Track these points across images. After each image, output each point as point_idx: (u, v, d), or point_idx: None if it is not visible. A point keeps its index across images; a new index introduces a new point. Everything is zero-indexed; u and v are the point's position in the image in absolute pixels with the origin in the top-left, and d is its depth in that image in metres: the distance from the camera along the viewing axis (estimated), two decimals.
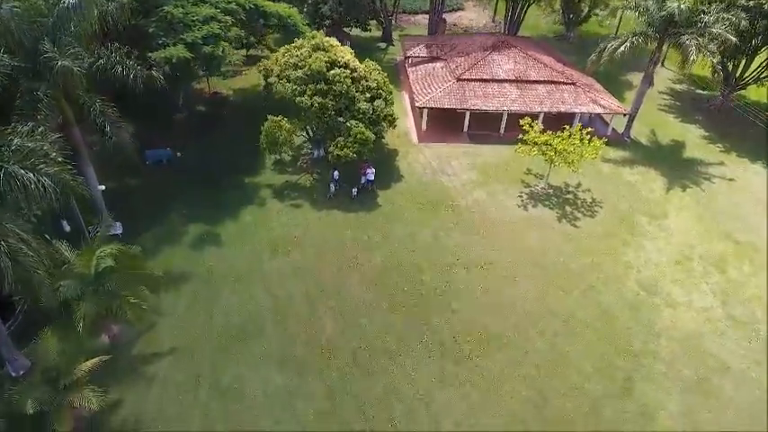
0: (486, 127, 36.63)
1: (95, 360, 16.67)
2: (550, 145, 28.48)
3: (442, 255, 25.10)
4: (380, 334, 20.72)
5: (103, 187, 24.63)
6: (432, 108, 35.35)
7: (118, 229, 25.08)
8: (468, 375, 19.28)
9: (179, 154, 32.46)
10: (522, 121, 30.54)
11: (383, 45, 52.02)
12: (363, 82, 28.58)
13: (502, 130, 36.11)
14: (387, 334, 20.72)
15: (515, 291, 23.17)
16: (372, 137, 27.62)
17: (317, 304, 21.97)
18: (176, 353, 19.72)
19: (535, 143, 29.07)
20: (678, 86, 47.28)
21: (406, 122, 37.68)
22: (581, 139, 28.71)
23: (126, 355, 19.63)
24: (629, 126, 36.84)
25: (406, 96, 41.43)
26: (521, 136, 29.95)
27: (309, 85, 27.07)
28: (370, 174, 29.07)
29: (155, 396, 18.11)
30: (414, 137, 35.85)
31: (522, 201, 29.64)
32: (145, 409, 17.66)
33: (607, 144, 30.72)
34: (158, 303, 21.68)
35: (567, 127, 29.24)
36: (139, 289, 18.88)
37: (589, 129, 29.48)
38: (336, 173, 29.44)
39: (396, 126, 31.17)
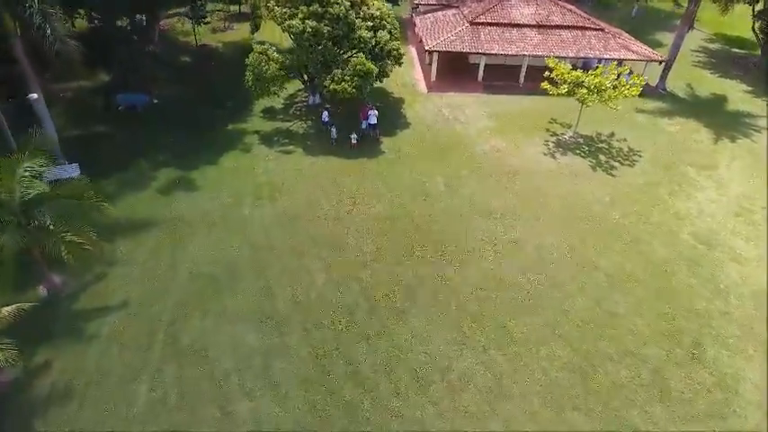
0: (504, 77, 32.59)
1: (10, 308, 12.75)
2: (582, 84, 24.35)
3: (456, 204, 21.04)
4: (383, 289, 16.71)
5: (35, 96, 20.51)
6: (442, 53, 31.23)
7: (73, 171, 21.20)
8: (493, 338, 15.27)
9: (156, 100, 28.60)
10: (547, 60, 26.48)
11: (389, 5, 47.80)
12: (365, 8, 24.49)
13: (521, 80, 32.02)
14: (392, 290, 16.71)
15: (546, 241, 19.09)
16: (375, 69, 23.56)
17: (306, 256, 17.98)
18: (128, 308, 15.79)
19: (564, 81, 24.95)
20: (711, 46, 43.08)
21: (414, 74, 33.66)
22: (618, 76, 24.62)
23: (66, 310, 15.72)
24: (664, 76, 32.61)
25: (413, 50, 37.40)
26: (547, 74, 25.86)
27: (301, 7, 23.02)
28: (373, 117, 25.03)
29: (93, 358, 14.18)
30: (422, 87, 31.80)
31: (549, 149, 25.54)
32: (79, 374, 13.73)
33: (641, 95, 26.62)
34: (113, 251, 17.81)
35: (599, 65, 25.12)
36: (84, 229, 14.97)
37: (624, 68, 25.30)
38: (326, 114, 25.46)
39: (402, 62, 27.06)
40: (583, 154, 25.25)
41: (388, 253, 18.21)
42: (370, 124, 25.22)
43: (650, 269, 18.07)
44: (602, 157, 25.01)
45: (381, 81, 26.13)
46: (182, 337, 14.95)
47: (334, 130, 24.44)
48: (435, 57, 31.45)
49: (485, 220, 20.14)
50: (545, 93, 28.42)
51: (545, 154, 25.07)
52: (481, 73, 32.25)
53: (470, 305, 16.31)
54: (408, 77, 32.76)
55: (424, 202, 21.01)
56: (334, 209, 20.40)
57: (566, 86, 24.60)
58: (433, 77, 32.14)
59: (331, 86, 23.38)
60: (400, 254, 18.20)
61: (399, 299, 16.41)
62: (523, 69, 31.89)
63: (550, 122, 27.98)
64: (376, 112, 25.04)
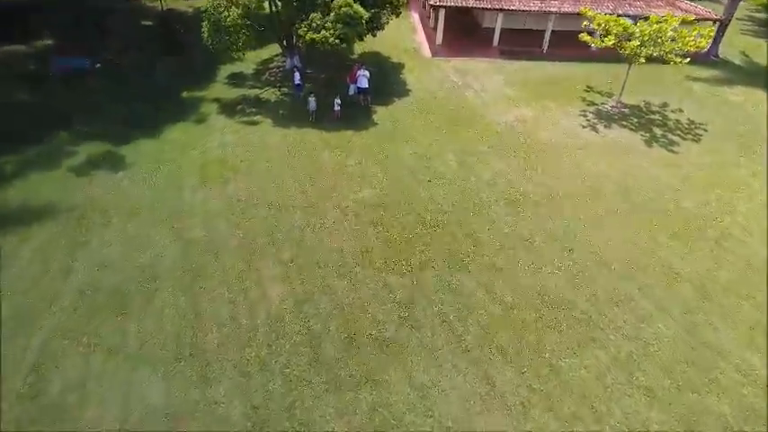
0: (524, 42, 27.07)
1: None
2: (632, 36, 18.82)
3: (473, 187, 15.58)
4: (369, 311, 11.28)
5: None
6: (450, 9, 25.66)
7: None
8: (537, 391, 9.83)
9: (98, 65, 23.18)
10: (581, 9, 21.00)
11: None
12: None
13: (545, 46, 26.48)
14: (381, 313, 11.28)
15: (601, 239, 13.63)
16: (364, 13, 18.05)
17: (260, 259, 12.55)
18: None
19: (607, 31, 19.44)
20: (759, 15, 37.37)
21: (415, 38, 28.10)
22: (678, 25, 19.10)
23: None
24: (717, 40, 26.98)
25: (414, 15, 31.82)
26: (586, 24, 20.34)
27: None
28: (363, 79, 19.52)
29: None
30: (425, 52, 26.24)
31: (588, 120, 20.00)
32: None
33: (690, 62, 21.14)
34: None
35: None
36: None
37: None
38: (298, 75, 20.08)
39: (401, 12, 21.57)
40: (632, 126, 19.71)
41: (378, 256, 12.76)
42: (359, 88, 19.74)
43: (755, 278, 12.58)
44: (656, 131, 19.47)
45: (374, 34, 20.64)
46: (49, 387, 9.54)
47: (312, 100, 18.87)
48: (442, 15, 25.88)
49: (513, 209, 14.67)
50: (574, 59, 23.19)
51: (584, 126, 19.54)
52: (497, 37, 26.73)
53: (500, 336, 10.86)
54: (409, 41, 27.25)
55: (430, 186, 15.54)
56: (306, 194, 14.95)
57: (612, 38, 19.04)
58: (439, 40, 26.61)
59: (308, 35, 17.87)
60: (395, 257, 12.75)
61: (392, 327, 10.97)
62: (547, 33, 26.35)
63: (586, 91, 22.45)
64: (367, 73, 19.55)
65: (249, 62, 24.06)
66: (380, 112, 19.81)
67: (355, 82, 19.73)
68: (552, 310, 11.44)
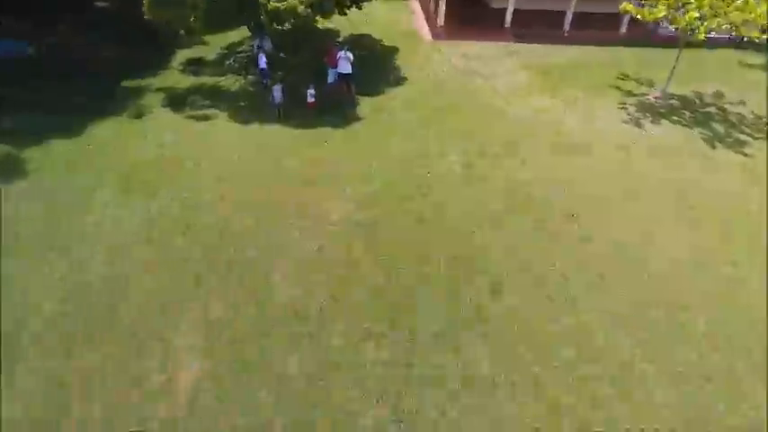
0: (541, 24, 23.02)
1: None
2: (686, 4, 14.76)
3: (484, 198, 11.55)
4: (338, 405, 7.27)
5: None
6: None
7: None
8: None
9: (30, 50, 19.27)
10: None
11: None
12: None
13: (566, 27, 22.41)
14: (355, 402, 7.27)
15: (665, 269, 9.58)
16: None
17: (175, 317, 8.53)
18: None
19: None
20: None
21: (413, 20, 24.03)
22: None
23: None
24: None
25: None
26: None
27: None
28: (345, 63, 15.48)
29: None
30: (425, 35, 22.17)
31: (630, 114, 15.91)
32: None
33: (737, 46, 17.16)
34: None
35: None
36: None
37: None
38: (263, 58, 16.11)
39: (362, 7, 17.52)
40: (685, 122, 15.63)
41: (357, 314, 8.72)
42: (340, 74, 15.73)
43: None
44: (717, 128, 15.38)
45: (360, 6, 16.65)
46: None
47: (277, 89, 14.84)
48: None
49: (538, 230, 10.63)
50: (601, 42, 19.24)
51: (625, 121, 15.45)
52: (509, 18, 22.67)
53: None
54: (406, 23, 23.20)
55: (426, 198, 11.51)
56: (259, 216, 10.93)
57: (662, 7, 14.93)
58: (441, 22, 22.58)
59: (271, 4, 13.83)
60: (379, 310, 8.72)
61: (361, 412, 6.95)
62: (569, 14, 22.28)
63: (621, 78, 18.35)
64: (350, 55, 15.48)
65: (215, 46, 20.10)
66: (368, 104, 15.79)
67: (336, 66, 15.72)
68: (613, 387, 7.40)
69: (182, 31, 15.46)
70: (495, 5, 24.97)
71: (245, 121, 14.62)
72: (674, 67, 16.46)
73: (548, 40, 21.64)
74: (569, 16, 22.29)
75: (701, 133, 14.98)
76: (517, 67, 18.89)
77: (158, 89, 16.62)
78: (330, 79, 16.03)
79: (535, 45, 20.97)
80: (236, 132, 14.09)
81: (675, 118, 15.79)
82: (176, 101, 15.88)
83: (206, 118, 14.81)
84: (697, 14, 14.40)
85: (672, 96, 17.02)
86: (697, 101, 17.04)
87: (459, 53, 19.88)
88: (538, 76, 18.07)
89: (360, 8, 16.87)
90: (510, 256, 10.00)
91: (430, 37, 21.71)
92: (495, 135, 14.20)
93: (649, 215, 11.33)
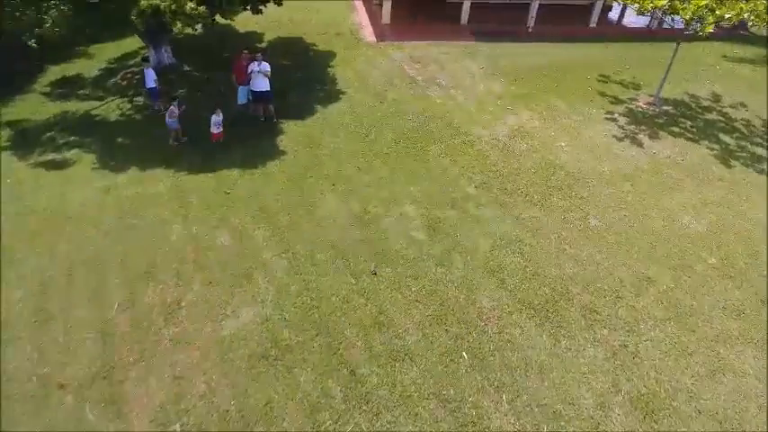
0: (502, 20, 19.94)
1: None
2: None
3: (463, 279, 8.05)
4: None
5: None
6: None
7: None
8: None
9: None
10: None
11: None
12: None
13: (531, 23, 19.32)
14: None
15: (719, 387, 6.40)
16: None
17: None
18: None
19: None
20: None
21: (354, 17, 20.31)
22: None
23: None
24: None
25: None
26: None
27: None
28: (259, 79, 11.58)
29: None
30: (367, 35, 18.50)
31: (622, 128, 12.81)
32: None
33: (715, 37, 14.65)
34: None
35: None
36: None
37: None
38: (153, 76, 12.13)
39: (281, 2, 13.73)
40: (688, 134, 12.69)
41: None
42: (255, 93, 11.86)
43: None
44: (727, 140, 12.52)
45: (279, 3, 12.86)
46: None
47: (173, 116, 10.91)
48: None
49: (539, 324, 7.25)
50: (570, 39, 16.55)
51: (619, 138, 12.34)
52: (465, 14, 19.38)
53: None
54: (344, 21, 19.47)
55: (375, 292, 7.88)
56: (106, 336, 7.02)
57: None
58: (386, 19, 19.05)
59: (143, 2, 9.75)
60: None
61: None
62: (534, 7, 19.18)
63: (601, 81, 15.35)
64: (267, 67, 11.61)
65: (99, 59, 15.79)
66: (293, 132, 12.00)
67: (247, 83, 11.85)
68: None
69: (32, 42, 11.10)
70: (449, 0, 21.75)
71: (120, 166, 10.54)
72: (669, 67, 13.53)
73: (511, 38, 18.48)
74: (534, 9, 19.20)
75: (709, 148, 12.05)
76: (480, 72, 15.56)
77: (9, 122, 12.24)
78: (240, 100, 12.16)
79: (497, 44, 17.77)
80: (100, 185, 9.98)
81: (676, 129, 12.83)
82: (29, 138, 11.58)
83: (62, 165, 10.62)
84: (704, 2, 11.42)
85: (664, 101, 14.12)
86: (693, 105, 14.21)
87: (411, 57, 16.37)
88: (506, 84, 14.79)
89: (279, 4, 13.04)
90: (485, 340, 6.53)
91: (374, 38, 18.07)
92: (465, 171, 10.74)
93: (662, 270, 8.14)
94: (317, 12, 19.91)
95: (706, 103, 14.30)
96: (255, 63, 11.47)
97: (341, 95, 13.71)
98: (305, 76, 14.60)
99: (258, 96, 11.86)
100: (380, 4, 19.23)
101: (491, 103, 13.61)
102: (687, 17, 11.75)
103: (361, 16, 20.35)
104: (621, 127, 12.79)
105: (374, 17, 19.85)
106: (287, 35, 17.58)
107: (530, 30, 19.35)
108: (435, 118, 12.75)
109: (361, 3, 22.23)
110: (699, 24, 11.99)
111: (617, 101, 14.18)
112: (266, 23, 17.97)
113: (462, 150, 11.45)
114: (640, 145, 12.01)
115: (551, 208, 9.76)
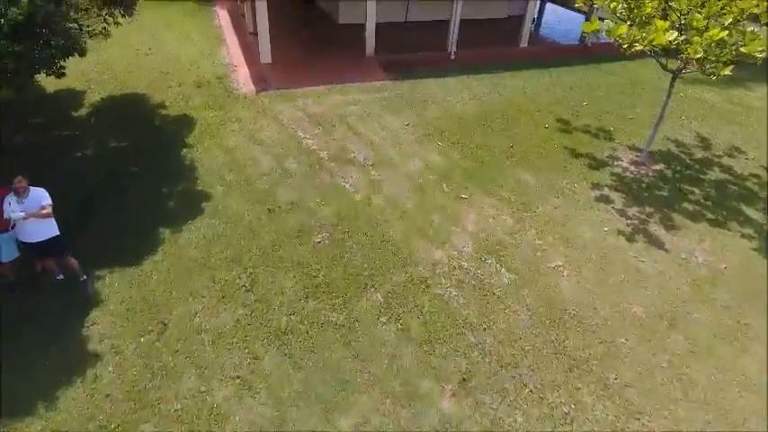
0: (413, 44, 15.92)
1: None
2: (693, 29, 8.27)
3: None
4: None
5: None
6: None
7: None
8: None
9: None
10: None
11: None
12: None
13: (452, 48, 15.30)
14: None
15: None
16: None
17: None
18: None
19: (629, 13, 8.72)
20: None
21: (223, 53, 14.95)
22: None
23: None
24: None
25: (219, 12, 18.65)
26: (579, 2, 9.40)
27: None
28: (32, 223, 6.14)
29: None
30: (243, 81, 13.22)
31: (619, 212, 9.00)
32: None
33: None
34: None
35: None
36: None
37: None
38: None
39: (85, 49, 8.17)
40: (703, 210, 9.22)
41: None
42: (29, 245, 6.42)
43: None
44: (753, 215, 9.24)
45: (81, 52, 7.49)
46: None
47: None
48: (263, 8, 13.12)
49: None
50: (501, 65, 13.17)
51: (624, 233, 8.47)
52: (371, 42, 14.84)
53: None
54: (211, 63, 14.04)
55: None
56: None
57: (640, 35, 8.09)
58: (266, 56, 13.94)
59: None
60: None
61: None
62: (454, 25, 15.11)
63: (563, 130, 11.63)
64: (46, 198, 6.21)
65: None
66: (115, 297, 6.69)
67: (7, 229, 6.34)
68: None
69: None
70: (343, 21, 17.22)
71: None
72: (660, 118, 10.05)
73: (430, 70, 14.31)
74: (454, 30, 15.16)
75: (745, 237, 8.63)
76: (407, 132, 11.14)
77: None
78: (4, 256, 6.58)
79: (417, 81, 13.55)
80: None
81: (689, 207, 9.32)
82: None
83: None
84: (701, 45, 7.87)
85: (655, 159, 10.68)
86: (685, 158, 10.94)
87: (306, 114, 11.52)
88: (446, 149, 10.51)
89: (82, 55, 7.62)
90: None
91: (252, 85, 12.91)
92: (428, 359, 6.20)
93: None
94: (171, 48, 14.41)
95: (698, 154, 11.09)
96: (12, 198, 6.03)
97: (204, 203, 8.56)
98: (144, 170, 9.23)
99: (37, 249, 6.43)
100: (256, 34, 14.09)
101: (435, 190, 9.23)
102: (697, 57, 8.15)
103: (233, 52, 15.05)
104: (621, 211, 9.02)
105: (250, 52, 14.70)
106: (121, 92, 11.97)
107: (452, 56, 15.38)
108: (358, 232, 8.09)
109: (231, 30, 16.92)
110: (708, 66, 8.48)
111: (596, 162, 10.48)
112: (91, 73, 12.27)
113: (412, 301, 6.91)
114: (660, 245, 8.27)
115: (589, 419, 5.56)
